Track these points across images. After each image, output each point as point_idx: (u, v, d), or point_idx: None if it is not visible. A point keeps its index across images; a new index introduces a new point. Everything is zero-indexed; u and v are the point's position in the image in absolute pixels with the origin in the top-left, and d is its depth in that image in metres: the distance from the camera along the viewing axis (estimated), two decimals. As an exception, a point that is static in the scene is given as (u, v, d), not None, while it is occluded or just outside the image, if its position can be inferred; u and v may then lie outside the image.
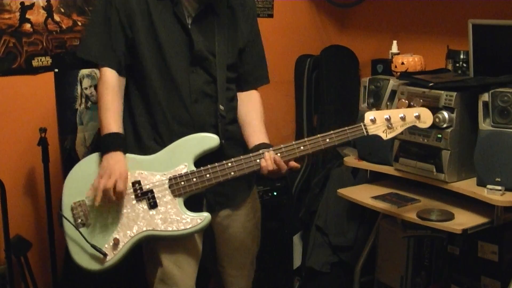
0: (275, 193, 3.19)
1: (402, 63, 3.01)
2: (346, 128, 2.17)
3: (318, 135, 2.16)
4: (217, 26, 2.19)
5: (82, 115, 2.92)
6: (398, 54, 3.14)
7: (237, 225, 2.33)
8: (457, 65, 2.96)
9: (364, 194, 2.88)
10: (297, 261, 3.43)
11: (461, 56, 2.94)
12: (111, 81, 2.16)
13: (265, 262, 3.15)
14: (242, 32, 2.25)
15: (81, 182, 2.19)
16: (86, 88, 2.91)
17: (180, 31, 2.15)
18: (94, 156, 2.20)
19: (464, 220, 2.57)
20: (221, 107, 2.18)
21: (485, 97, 2.54)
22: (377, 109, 2.25)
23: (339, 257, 3.29)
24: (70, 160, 2.84)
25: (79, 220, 2.16)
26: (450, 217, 2.59)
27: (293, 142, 2.15)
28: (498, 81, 2.56)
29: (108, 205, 2.14)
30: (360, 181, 3.17)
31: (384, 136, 2.18)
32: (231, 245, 2.35)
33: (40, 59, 2.77)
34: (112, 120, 2.13)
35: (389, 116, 2.18)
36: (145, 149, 2.19)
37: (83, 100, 2.91)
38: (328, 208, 3.32)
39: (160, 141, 2.19)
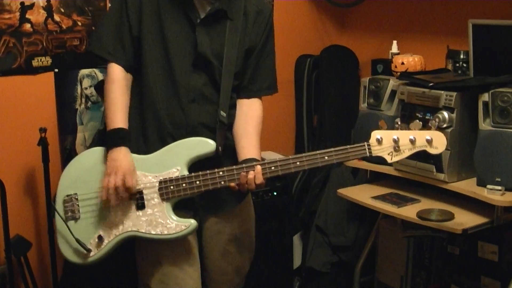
0: (275, 193, 3.19)
1: (402, 63, 3.01)
2: (348, 146, 2.06)
3: (317, 152, 2.05)
4: (229, 31, 2.16)
5: (82, 115, 2.92)
6: (398, 54, 3.14)
7: (225, 231, 2.30)
8: (457, 65, 2.96)
9: (364, 194, 2.88)
10: (297, 261, 3.43)
11: (461, 56, 2.94)
12: (117, 77, 2.16)
13: (265, 262, 3.15)
14: (250, 36, 2.21)
15: (76, 175, 2.19)
16: (86, 88, 2.91)
17: (188, 31, 2.14)
18: (92, 151, 2.20)
19: (464, 220, 2.57)
20: (223, 113, 2.14)
21: (485, 97, 2.54)
22: (382, 128, 2.10)
23: (339, 257, 3.29)
24: (70, 160, 2.84)
25: (69, 214, 2.17)
26: (450, 217, 2.58)
27: (290, 157, 2.05)
28: (498, 81, 2.56)
29: (98, 202, 2.14)
30: (360, 181, 3.17)
31: (389, 159, 2.06)
32: (216, 250, 2.31)
33: (40, 59, 2.77)
34: (117, 116, 2.13)
35: (398, 138, 2.04)
36: (135, 148, 2.16)
37: (83, 100, 2.91)
38: (328, 208, 3.31)
39: (149, 141, 2.17)
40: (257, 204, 3.00)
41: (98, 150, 2.18)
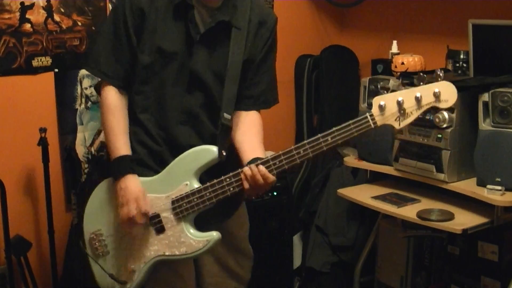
0: (275, 193, 3.19)
1: (402, 63, 3.01)
2: (350, 122, 1.91)
3: (319, 135, 1.94)
4: (235, 38, 2.06)
5: (82, 115, 2.92)
6: (398, 54, 3.14)
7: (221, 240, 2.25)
8: (457, 65, 2.96)
9: (364, 194, 2.88)
10: (297, 261, 3.43)
11: (461, 56, 2.94)
12: (113, 104, 2.10)
13: (265, 262, 3.15)
14: (251, 46, 2.11)
15: (97, 210, 2.18)
16: (86, 88, 2.91)
17: (186, 49, 2.06)
18: (106, 183, 2.18)
19: (464, 220, 2.57)
20: (226, 115, 2.06)
21: (485, 97, 2.54)
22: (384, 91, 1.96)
23: (339, 257, 3.29)
24: (70, 160, 2.84)
25: (99, 250, 2.17)
26: (450, 217, 2.59)
27: (292, 147, 1.95)
28: (498, 81, 2.56)
29: (123, 232, 2.13)
30: (360, 181, 3.17)
31: (397, 125, 1.86)
32: (204, 256, 2.26)
33: (40, 59, 2.77)
34: (120, 143, 2.08)
35: (402, 100, 1.83)
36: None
37: (83, 100, 2.91)
38: (328, 208, 3.31)
39: (143, 159, 2.13)
40: (257, 204, 3.02)
41: (110, 181, 2.15)
